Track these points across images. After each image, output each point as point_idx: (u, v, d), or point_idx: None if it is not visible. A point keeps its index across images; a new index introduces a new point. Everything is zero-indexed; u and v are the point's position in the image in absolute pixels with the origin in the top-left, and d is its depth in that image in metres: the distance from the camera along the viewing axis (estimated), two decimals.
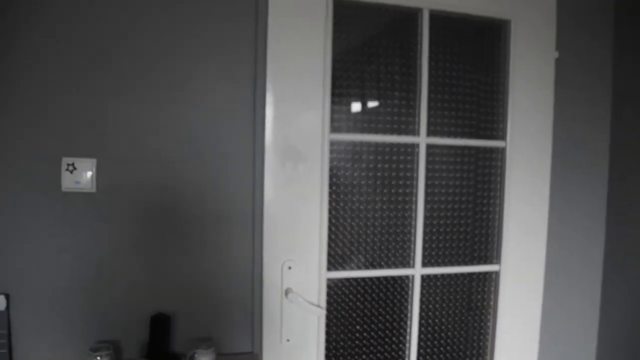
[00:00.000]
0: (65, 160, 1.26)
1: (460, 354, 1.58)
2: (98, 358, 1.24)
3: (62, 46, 1.24)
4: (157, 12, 1.29)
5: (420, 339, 1.50)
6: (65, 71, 1.25)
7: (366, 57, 1.45)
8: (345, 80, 1.42)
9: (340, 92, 1.41)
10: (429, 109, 1.45)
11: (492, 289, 1.55)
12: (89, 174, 1.28)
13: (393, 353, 1.51)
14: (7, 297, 1.27)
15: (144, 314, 1.32)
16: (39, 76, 1.24)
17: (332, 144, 1.39)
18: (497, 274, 1.53)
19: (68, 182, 1.27)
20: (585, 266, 1.64)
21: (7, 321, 1.27)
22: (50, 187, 1.26)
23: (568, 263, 1.62)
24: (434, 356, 1.54)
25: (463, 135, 1.49)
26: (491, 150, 1.53)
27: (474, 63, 1.53)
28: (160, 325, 1.30)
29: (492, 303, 1.55)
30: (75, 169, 1.27)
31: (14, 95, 1.23)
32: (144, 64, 1.29)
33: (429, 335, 1.53)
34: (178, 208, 1.33)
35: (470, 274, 1.55)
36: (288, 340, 1.38)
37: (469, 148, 1.53)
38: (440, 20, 1.45)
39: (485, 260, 1.55)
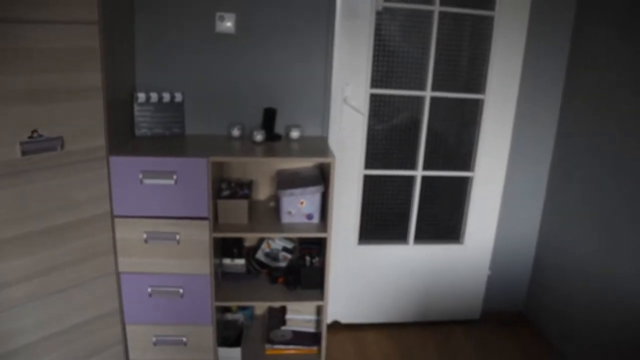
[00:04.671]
0: (218, 14, 2.15)
1: (454, 154, 2.40)
2: (236, 129, 2.17)
3: None
4: None
5: (427, 142, 2.33)
6: None
7: None
8: None
9: None
10: None
11: (479, 111, 2.34)
12: (231, 23, 2.16)
13: (409, 147, 2.36)
14: (183, 93, 2.21)
15: (259, 107, 2.24)
16: None
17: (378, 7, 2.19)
18: (482, 101, 2.30)
19: (219, 27, 2.15)
20: (548, 95, 2.36)
21: (182, 109, 2.22)
22: (209, 30, 2.16)
23: (535, 96, 2.35)
24: (437, 153, 2.37)
25: (464, 6, 2.23)
26: (483, 17, 2.25)
27: None
28: (270, 114, 2.19)
29: (478, 120, 2.36)
30: (224, 19, 2.15)
31: None
32: None
33: (434, 142, 2.36)
34: (287, 42, 2.20)
35: (464, 100, 2.35)
36: (344, 129, 2.26)
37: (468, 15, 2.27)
38: None
39: (476, 90, 2.32)
